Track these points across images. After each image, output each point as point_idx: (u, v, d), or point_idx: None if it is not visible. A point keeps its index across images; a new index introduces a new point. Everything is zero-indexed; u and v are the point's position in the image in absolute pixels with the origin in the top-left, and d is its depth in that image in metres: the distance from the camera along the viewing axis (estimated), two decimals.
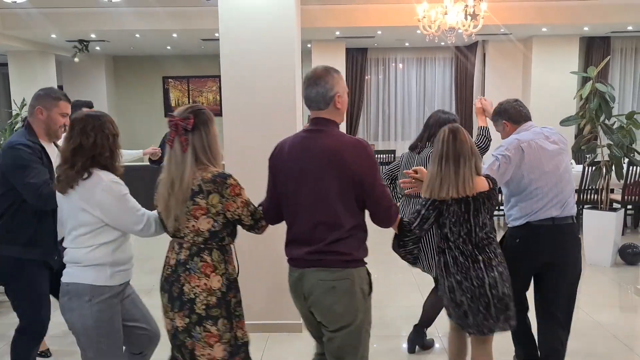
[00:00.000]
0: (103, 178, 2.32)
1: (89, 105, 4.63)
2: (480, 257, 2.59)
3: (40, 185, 2.66)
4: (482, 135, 3.63)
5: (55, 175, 2.39)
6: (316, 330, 2.37)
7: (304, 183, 2.22)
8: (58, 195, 2.41)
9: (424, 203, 2.60)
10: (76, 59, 9.22)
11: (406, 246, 2.63)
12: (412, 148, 3.69)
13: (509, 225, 3.06)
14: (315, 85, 2.24)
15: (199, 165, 2.22)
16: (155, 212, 2.41)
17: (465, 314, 2.61)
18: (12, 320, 3.26)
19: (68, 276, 2.38)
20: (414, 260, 2.73)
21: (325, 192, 2.18)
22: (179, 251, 2.28)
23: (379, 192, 2.24)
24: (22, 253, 2.78)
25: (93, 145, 2.31)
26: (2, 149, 2.85)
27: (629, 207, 6.94)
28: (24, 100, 9.17)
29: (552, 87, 9.10)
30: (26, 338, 2.92)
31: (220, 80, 4.04)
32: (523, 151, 2.89)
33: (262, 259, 3.62)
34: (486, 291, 2.56)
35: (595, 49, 9.78)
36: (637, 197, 6.59)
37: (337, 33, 8.75)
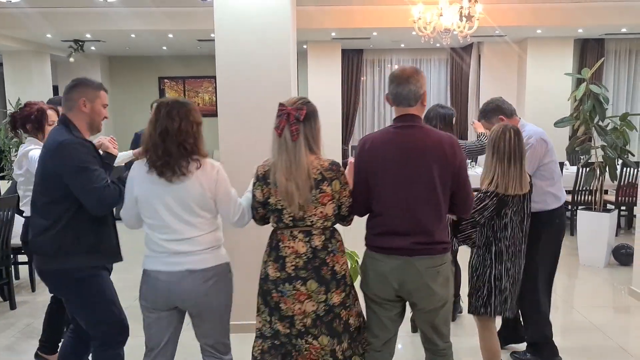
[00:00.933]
0: (215, 164, 2.42)
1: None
2: (524, 245, 2.95)
3: (103, 189, 2.46)
4: (484, 137, 3.94)
5: (149, 161, 2.33)
6: (391, 312, 2.52)
7: (409, 176, 2.35)
8: (147, 186, 2.35)
9: (487, 193, 2.81)
10: (71, 59, 9.20)
11: (465, 230, 2.88)
12: None
13: (540, 211, 3.27)
14: (408, 84, 2.39)
15: (311, 153, 2.35)
16: (243, 201, 2.49)
17: (506, 300, 2.89)
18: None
19: (205, 262, 2.39)
20: (472, 244, 2.96)
21: (433, 185, 2.35)
22: (308, 238, 2.36)
23: (468, 183, 2.46)
24: (87, 261, 2.56)
25: (178, 130, 2.30)
26: (50, 148, 2.53)
27: (623, 208, 6.98)
28: (19, 100, 9.14)
29: (546, 88, 9.14)
30: (113, 350, 2.68)
31: (216, 81, 4.04)
32: (545, 141, 3.32)
33: (251, 260, 3.61)
34: (521, 276, 2.98)
35: (590, 51, 9.83)
36: (630, 198, 6.63)
37: (333, 34, 8.77)
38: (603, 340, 3.93)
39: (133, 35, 8.39)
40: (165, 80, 11.33)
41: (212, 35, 3.95)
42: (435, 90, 10.94)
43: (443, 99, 10.78)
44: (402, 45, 10.35)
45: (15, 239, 4.98)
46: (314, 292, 2.36)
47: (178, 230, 2.36)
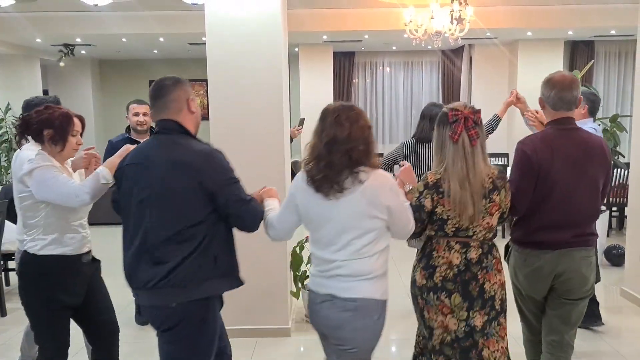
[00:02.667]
0: (385, 175, 2.16)
1: (57, 101, 3.69)
2: None
3: (251, 202, 2.22)
4: (496, 121, 4.01)
5: (308, 174, 2.10)
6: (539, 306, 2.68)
7: (576, 174, 2.51)
8: (308, 201, 2.12)
9: None
10: (62, 63, 9.15)
11: None
12: (423, 140, 4.07)
13: None
14: (571, 90, 2.55)
15: (484, 160, 2.28)
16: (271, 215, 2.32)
17: None
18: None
19: (353, 291, 2.11)
20: None
21: (595, 182, 2.56)
22: (464, 250, 2.28)
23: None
24: (225, 286, 2.28)
25: (347, 138, 2.06)
26: (185, 162, 2.13)
27: (614, 209, 7.02)
28: (8, 105, 9.08)
29: (537, 90, 9.02)
30: None
31: (207, 84, 4.03)
32: None
33: (250, 264, 3.60)
34: None
35: (580, 53, 9.90)
36: (621, 199, 6.67)
37: (325, 37, 8.77)
38: (595, 340, 3.94)
39: (124, 39, 8.35)
40: None
41: (203, 38, 3.94)
42: (427, 92, 10.96)
43: (435, 100, 10.80)
44: (394, 48, 10.37)
45: (5, 246, 4.93)
46: (457, 306, 2.28)
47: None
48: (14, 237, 5.05)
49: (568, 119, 2.59)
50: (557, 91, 2.55)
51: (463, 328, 2.28)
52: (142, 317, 3.70)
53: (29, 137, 2.63)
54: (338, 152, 2.05)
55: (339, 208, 2.10)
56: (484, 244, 2.31)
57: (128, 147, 2.46)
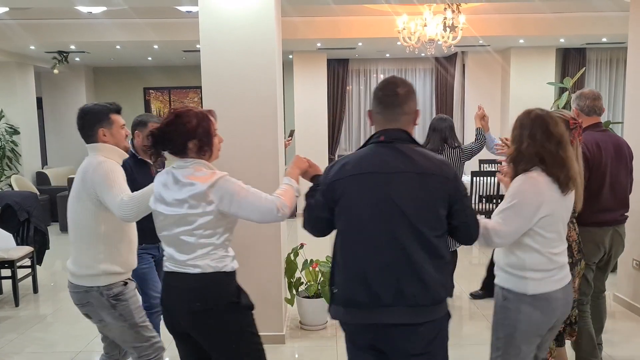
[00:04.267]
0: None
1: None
2: None
3: None
4: (482, 137, 4.58)
5: (552, 175, 2.28)
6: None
7: (617, 166, 3.34)
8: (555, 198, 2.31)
9: None
10: (55, 71, 9.13)
11: None
12: (435, 151, 4.32)
13: None
14: (600, 99, 3.40)
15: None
16: None
17: None
18: None
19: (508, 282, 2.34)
20: None
21: (628, 171, 3.44)
22: (574, 227, 2.92)
23: None
24: None
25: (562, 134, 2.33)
26: (445, 165, 2.08)
27: None
28: (1, 112, 9.06)
29: (529, 97, 9.24)
30: None
31: (201, 92, 4.04)
32: None
33: (245, 271, 3.60)
34: None
35: (571, 60, 9.98)
36: None
37: (319, 44, 8.81)
38: None
39: (118, 47, 8.35)
40: (151, 91, 11.29)
41: (198, 46, 3.96)
42: (421, 100, 11.01)
43: (428, 108, 10.86)
44: (388, 55, 10.42)
45: None
46: None
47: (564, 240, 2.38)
48: (2, 245, 5.05)
49: (600, 123, 3.41)
50: (590, 101, 3.35)
51: None
52: None
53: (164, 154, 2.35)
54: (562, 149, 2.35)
55: (566, 202, 2.37)
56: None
57: (300, 157, 2.47)
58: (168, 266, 2.30)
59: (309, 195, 2.23)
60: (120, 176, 2.59)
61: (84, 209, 2.58)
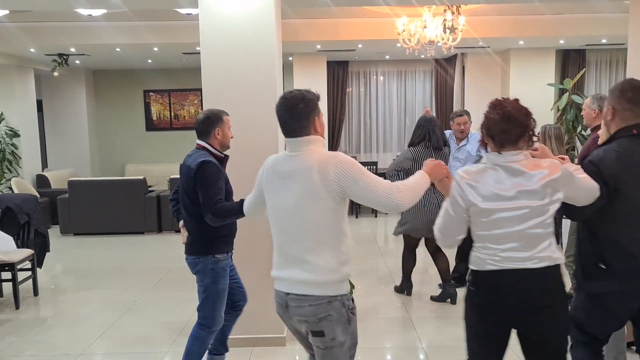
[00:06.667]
0: None
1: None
2: None
3: None
4: None
5: None
6: None
7: None
8: None
9: None
10: (55, 73, 9.13)
11: None
12: (435, 147, 4.71)
13: None
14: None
15: None
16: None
17: None
18: None
19: None
20: None
21: None
22: None
23: None
24: None
25: None
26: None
27: None
28: (2, 114, 9.06)
29: (529, 98, 9.00)
30: None
31: (201, 94, 4.04)
32: None
33: (245, 273, 3.61)
34: None
35: (571, 62, 9.98)
36: None
37: (318, 46, 8.82)
38: None
39: (118, 49, 8.36)
40: (151, 94, 11.29)
41: (198, 48, 3.96)
42: (421, 101, 11.02)
43: (428, 108, 10.86)
44: (387, 57, 10.43)
45: None
46: None
47: None
48: (3, 248, 5.05)
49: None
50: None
51: None
52: None
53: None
54: None
55: None
56: None
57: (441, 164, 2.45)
58: (489, 261, 2.20)
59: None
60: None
61: (325, 208, 2.19)
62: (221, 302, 3.21)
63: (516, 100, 2.26)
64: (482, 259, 2.21)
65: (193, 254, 3.16)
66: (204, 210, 3.00)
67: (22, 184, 8.68)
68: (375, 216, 9.28)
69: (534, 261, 2.15)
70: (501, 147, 2.19)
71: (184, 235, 3.21)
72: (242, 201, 2.78)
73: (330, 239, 2.21)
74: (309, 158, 2.23)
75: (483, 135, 2.28)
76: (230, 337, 3.51)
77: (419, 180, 2.28)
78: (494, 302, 2.20)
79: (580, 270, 2.52)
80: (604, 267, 2.40)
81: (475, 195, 2.17)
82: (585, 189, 2.30)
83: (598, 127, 3.87)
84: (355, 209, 9.66)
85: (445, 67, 10.46)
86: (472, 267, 2.27)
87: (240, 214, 2.81)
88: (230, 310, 3.41)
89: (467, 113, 5.31)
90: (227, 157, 3.26)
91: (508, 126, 2.16)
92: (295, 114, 2.32)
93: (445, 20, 6.15)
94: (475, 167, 2.28)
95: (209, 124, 3.17)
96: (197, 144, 3.20)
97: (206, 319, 3.20)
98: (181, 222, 3.27)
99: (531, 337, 2.23)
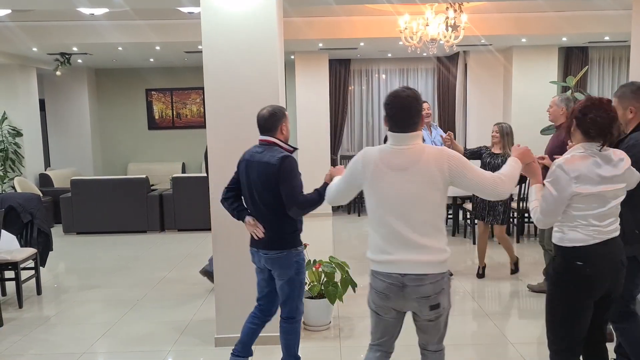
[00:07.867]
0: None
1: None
2: None
3: None
4: None
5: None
6: None
7: None
8: None
9: None
10: (58, 73, 9.15)
11: None
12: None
13: None
14: None
15: None
16: None
17: None
18: None
19: None
20: None
21: None
22: None
23: None
24: None
25: None
26: None
27: None
28: (4, 114, 9.08)
29: (532, 96, 9.23)
30: None
31: (203, 92, 4.04)
32: None
33: (247, 271, 3.60)
34: None
35: (574, 59, 9.95)
36: None
37: (320, 45, 8.81)
38: None
39: (120, 48, 8.36)
40: (153, 92, 11.29)
41: (200, 47, 3.96)
42: (423, 99, 10.99)
43: (430, 108, 10.85)
44: (389, 55, 10.41)
45: (1, 255, 4.92)
46: None
47: None
48: (6, 247, 5.07)
49: None
50: None
51: None
52: None
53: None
54: None
55: None
56: None
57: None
58: (595, 236, 2.62)
59: None
60: None
61: (440, 196, 2.48)
62: (303, 291, 3.33)
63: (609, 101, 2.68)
64: (588, 235, 2.61)
65: (276, 248, 3.15)
66: (289, 204, 3.03)
67: (25, 183, 8.70)
68: None
69: (618, 231, 2.69)
70: (603, 144, 2.59)
71: (258, 231, 3.15)
72: (316, 191, 3.04)
73: (441, 222, 2.52)
74: (423, 152, 2.48)
75: (580, 131, 2.61)
76: (230, 336, 3.51)
77: (514, 168, 2.62)
78: (604, 269, 2.63)
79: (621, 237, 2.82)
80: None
81: (585, 180, 2.56)
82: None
83: (562, 125, 4.43)
84: (358, 208, 9.65)
85: (447, 65, 10.44)
86: (574, 244, 2.61)
87: (319, 203, 3.05)
88: (260, 314, 3.39)
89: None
90: (296, 149, 3.29)
91: (611, 127, 2.59)
92: (409, 111, 2.55)
93: (447, 18, 6.13)
94: (578, 155, 2.61)
95: (276, 119, 3.17)
96: (263, 140, 3.18)
97: (292, 312, 3.25)
98: (250, 219, 3.18)
99: (612, 294, 2.70)
